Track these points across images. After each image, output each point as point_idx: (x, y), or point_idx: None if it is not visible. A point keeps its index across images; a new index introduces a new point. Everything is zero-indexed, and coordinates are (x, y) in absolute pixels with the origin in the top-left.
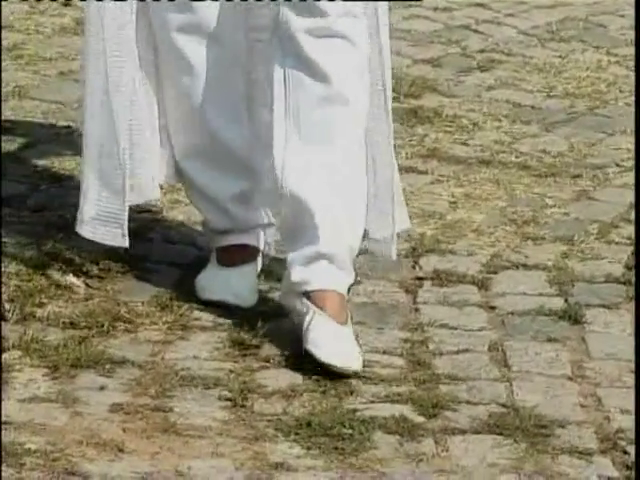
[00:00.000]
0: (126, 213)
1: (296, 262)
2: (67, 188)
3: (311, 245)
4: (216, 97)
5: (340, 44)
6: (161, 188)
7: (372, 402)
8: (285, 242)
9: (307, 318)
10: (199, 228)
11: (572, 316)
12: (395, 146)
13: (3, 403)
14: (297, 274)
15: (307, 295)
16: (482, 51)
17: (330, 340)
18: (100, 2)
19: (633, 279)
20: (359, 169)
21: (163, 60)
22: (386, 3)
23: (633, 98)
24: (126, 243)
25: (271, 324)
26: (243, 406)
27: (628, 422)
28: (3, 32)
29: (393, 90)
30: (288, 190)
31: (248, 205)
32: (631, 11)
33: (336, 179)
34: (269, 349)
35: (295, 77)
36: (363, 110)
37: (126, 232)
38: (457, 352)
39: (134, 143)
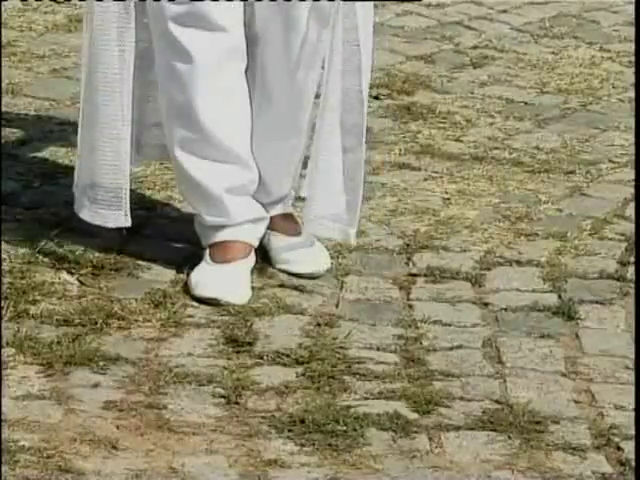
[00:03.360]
0: (127, 194)
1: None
2: (61, 185)
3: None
4: (211, 89)
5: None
6: (155, 185)
7: (366, 399)
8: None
9: (265, 243)
10: (192, 225)
11: (566, 312)
12: (388, 142)
13: None
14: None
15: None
16: (475, 47)
17: (292, 254)
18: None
19: (627, 275)
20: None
21: (158, 52)
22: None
23: (627, 94)
24: (128, 222)
25: (265, 321)
26: (237, 403)
27: (622, 418)
28: None
29: (386, 87)
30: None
31: (242, 198)
32: (624, 7)
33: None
34: (263, 346)
35: None
36: None
37: (128, 212)
38: (451, 348)
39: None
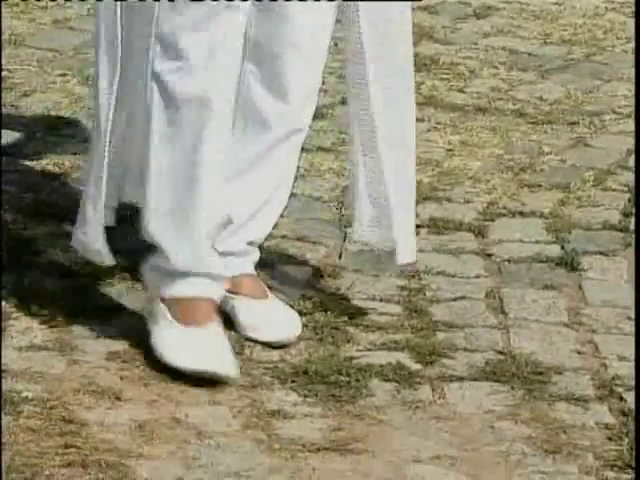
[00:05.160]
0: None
1: None
2: (63, 136)
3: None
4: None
5: (295, 142)
6: None
7: (369, 350)
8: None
9: (228, 308)
10: None
11: (569, 263)
12: None
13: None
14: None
15: None
16: None
17: (262, 319)
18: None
19: (630, 226)
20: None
21: None
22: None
23: (630, 45)
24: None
25: (266, 272)
26: (240, 354)
27: (625, 369)
28: None
29: None
30: None
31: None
32: None
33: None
34: None
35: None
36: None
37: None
38: (454, 299)
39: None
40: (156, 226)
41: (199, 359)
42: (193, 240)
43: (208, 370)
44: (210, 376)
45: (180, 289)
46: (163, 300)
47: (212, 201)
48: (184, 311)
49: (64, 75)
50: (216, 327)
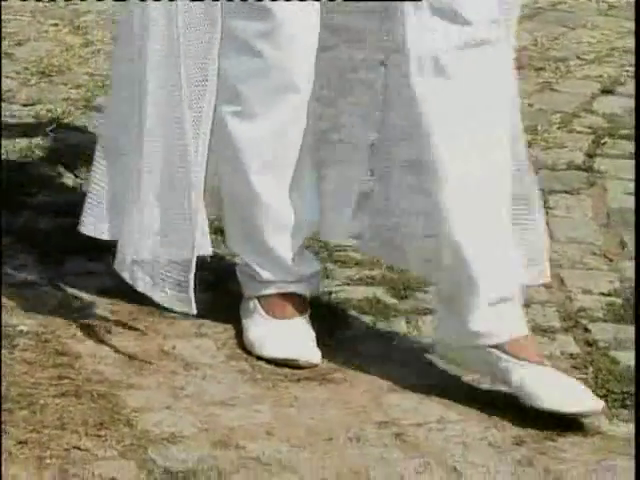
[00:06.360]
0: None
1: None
2: (56, 83)
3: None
4: None
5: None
6: None
7: (347, 284)
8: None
9: (515, 376)
10: None
11: None
12: None
13: None
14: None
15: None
16: None
17: (555, 388)
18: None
19: (594, 166)
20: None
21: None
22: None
23: None
24: (193, 310)
25: None
26: (224, 289)
27: (589, 302)
28: None
29: None
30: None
31: (301, 252)
32: None
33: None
34: None
35: None
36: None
37: (192, 296)
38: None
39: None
40: (238, 249)
41: (284, 348)
42: (273, 258)
43: (290, 357)
44: (293, 363)
45: (271, 290)
46: (257, 297)
47: (283, 220)
48: (275, 306)
49: (56, 25)
50: (303, 319)
